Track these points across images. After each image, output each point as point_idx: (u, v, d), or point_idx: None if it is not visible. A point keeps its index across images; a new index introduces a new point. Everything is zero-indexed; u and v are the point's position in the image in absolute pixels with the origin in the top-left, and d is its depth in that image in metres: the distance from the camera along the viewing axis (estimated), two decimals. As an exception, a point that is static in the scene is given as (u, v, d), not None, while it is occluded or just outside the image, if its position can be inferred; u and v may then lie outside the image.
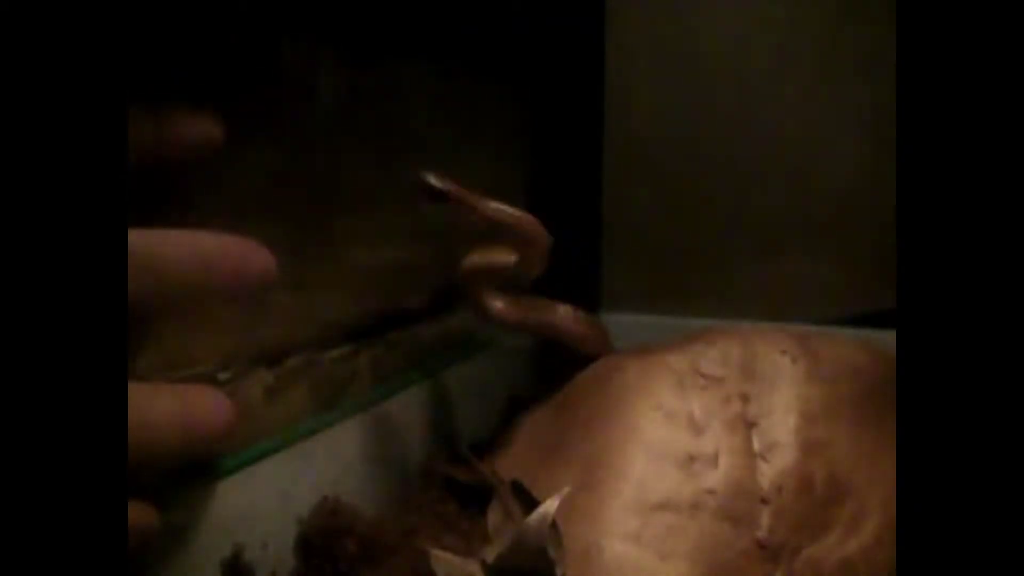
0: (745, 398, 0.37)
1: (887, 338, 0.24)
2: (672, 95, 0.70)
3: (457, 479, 0.41)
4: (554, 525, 0.32)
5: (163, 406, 0.25)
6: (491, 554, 0.32)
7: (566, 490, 0.32)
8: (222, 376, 0.33)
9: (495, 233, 0.38)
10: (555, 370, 0.49)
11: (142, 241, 0.23)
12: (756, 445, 0.35)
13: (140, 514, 0.24)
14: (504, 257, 0.41)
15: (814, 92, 0.65)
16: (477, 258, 0.42)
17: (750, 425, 0.36)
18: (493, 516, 0.33)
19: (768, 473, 0.34)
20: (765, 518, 0.33)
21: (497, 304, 0.42)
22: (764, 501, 0.33)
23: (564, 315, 0.45)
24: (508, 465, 0.40)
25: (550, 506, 0.31)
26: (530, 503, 0.35)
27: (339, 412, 0.39)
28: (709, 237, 0.69)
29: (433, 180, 0.33)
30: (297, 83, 0.39)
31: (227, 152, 0.34)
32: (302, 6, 0.38)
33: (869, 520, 0.34)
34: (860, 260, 0.63)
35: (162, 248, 0.24)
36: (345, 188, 0.42)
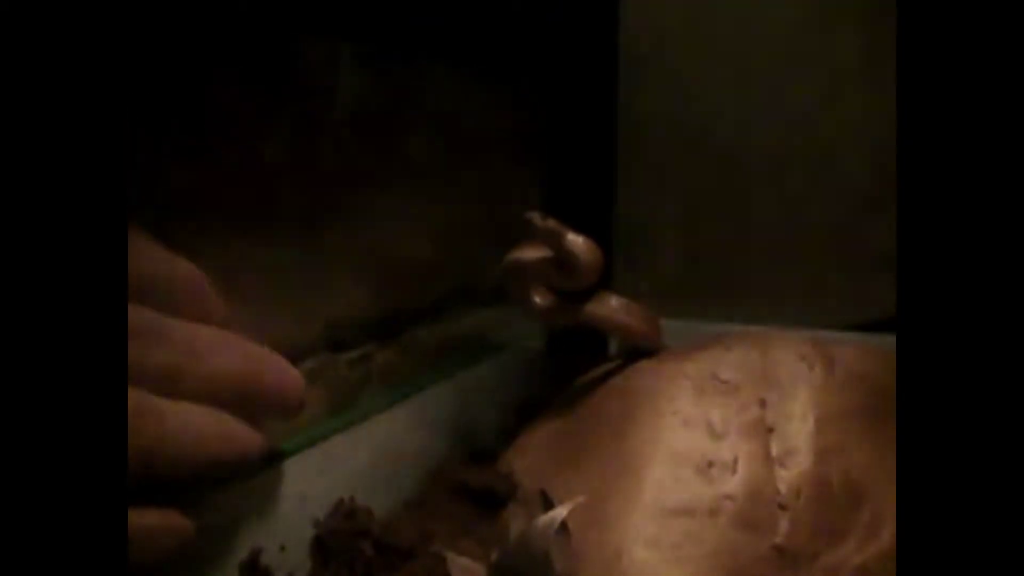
0: (763, 404, 0.37)
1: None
2: (685, 100, 0.69)
3: (469, 484, 0.41)
4: (564, 532, 0.32)
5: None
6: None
7: (580, 498, 0.32)
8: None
9: (560, 255, 0.40)
10: (568, 372, 0.49)
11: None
12: (774, 451, 0.35)
13: (173, 521, 0.24)
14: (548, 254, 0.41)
15: (826, 97, 0.65)
16: (522, 254, 0.42)
17: (768, 431, 0.36)
18: (515, 523, 0.33)
19: (786, 479, 0.34)
20: (783, 524, 0.33)
21: (539, 300, 0.42)
22: (782, 507, 0.33)
23: (616, 308, 0.43)
24: (525, 470, 0.40)
25: (560, 512, 0.31)
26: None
27: (355, 414, 0.39)
28: (723, 241, 0.69)
29: (536, 219, 0.39)
30: (310, 86, 0.39)
31: (239, 156, 0.34)
32: (313, 8, 0.38)
33: (886, 526, 0.33)
34: (876, 265, 0.63)
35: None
36: (357, 189, 0.43)
